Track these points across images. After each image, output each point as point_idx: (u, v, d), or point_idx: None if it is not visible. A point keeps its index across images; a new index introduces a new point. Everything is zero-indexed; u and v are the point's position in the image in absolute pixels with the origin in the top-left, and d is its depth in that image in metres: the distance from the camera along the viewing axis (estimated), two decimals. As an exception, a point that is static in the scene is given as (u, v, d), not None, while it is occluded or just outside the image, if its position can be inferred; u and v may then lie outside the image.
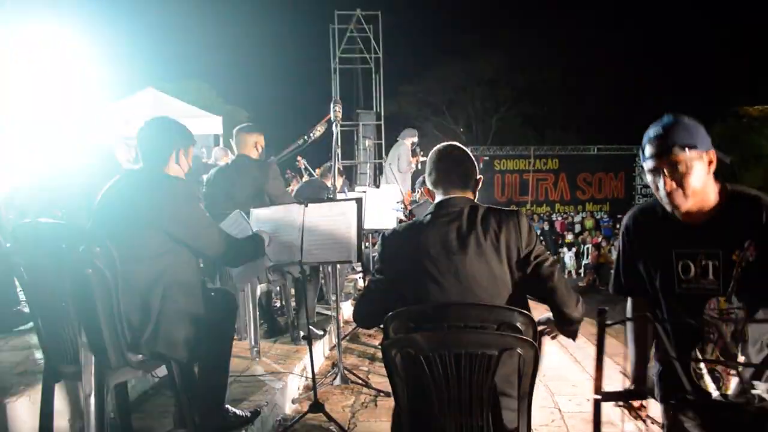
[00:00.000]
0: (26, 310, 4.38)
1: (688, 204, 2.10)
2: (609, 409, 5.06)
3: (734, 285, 2.01)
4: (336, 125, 4.12)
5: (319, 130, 5.54)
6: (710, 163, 2.11)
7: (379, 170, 18.75)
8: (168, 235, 2.75)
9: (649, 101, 31.46)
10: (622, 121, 31.71)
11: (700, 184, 2.08)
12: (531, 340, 2.18)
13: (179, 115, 13.40)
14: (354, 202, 3.40)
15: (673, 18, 34.16)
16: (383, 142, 17.81)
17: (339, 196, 5.44)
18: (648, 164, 2.14)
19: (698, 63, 31.71)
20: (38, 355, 3.57)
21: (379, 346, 5.00)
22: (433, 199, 2.50)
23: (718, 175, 2.16)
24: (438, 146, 2.54)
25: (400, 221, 4.98)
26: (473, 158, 2.54)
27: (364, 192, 6.31)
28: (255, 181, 4.64)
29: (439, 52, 35.13)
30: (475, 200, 2.51)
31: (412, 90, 34.09)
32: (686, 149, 2.05)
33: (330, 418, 3.49)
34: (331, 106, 4.15)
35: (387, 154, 17.52)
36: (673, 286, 2.21)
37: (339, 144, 4.21)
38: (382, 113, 18.81)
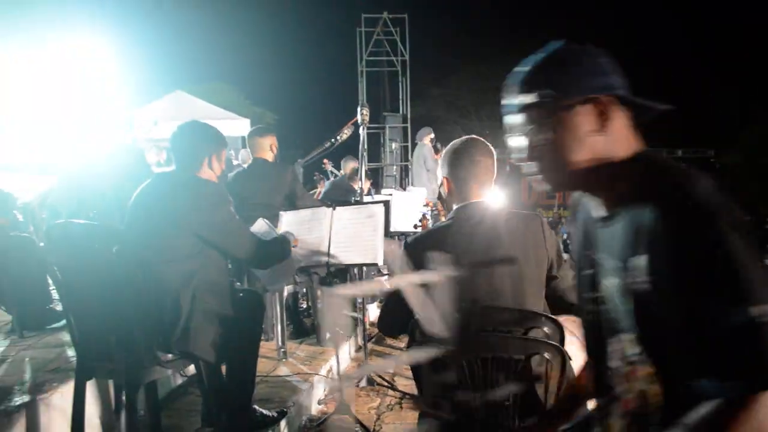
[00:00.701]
0: (58, 308, 4.47)
1: (550, 183, 1.36)
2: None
3: (630, 320, 1.24)
4: (363, 128, 4.14)
5: (346, 132, 5.57)
6: (598, 114, 1.28)
7: (404, 172, 18.75)
8: (198, 237, 2.79)
9: (685, 100, 30.98)
10: (654, 122, 31.25)
11: (572, 151, 1.29)
12: (558, 344, 2.18)
13: (207, 117, 13.63)
14: (382, 205, 3.42)
15: (711, 15, 33.58)
16: (409, 144, 17.80)
17: (366, 199, 5.45)
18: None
19: (739, 60, 31.08)
20: (70, 352, 3.64)
21: (405, 349, 5.00)
22: (449, 191, 2.49)
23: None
24: (454, 144, 2.50)
25: (415, 226, 4.95)
26: (492, 152, 2.49)
27: (391, 195, 6.33)
28: (272, 184, 4.65)
29: (466, 54, 34.92)
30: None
31: (439, 92, 34.00)
32: (531, 95, 1.30)
33: (356, 420, 3.51)
34: (359, 109, 4.17)
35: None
36: (581, 307, 1.51)
37: (366, 147, 4.22)
38: (409, 116, 18.82)
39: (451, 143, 2.53)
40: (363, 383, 4.21)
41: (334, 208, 3.54)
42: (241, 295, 3.04)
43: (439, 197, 2.65)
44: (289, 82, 33.36)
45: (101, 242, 2.52)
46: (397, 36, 18.85)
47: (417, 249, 2.39)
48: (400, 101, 19.06)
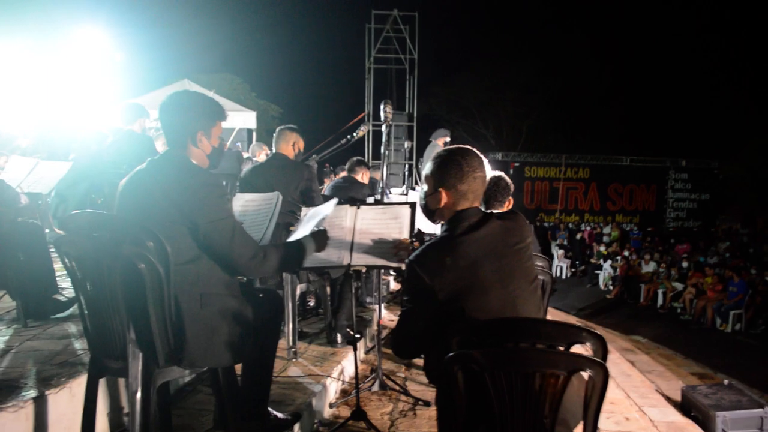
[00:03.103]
0: (62, 298, 4.35)
1: None
2: (652, 429, 4.91)
3: None
4: (386, 125, 4.03)
5: (362, 130, 5.49)
6: None
7: (408, 171, 18.65)
8: (191, 234, 2.52)
9: (690, 112, 30.95)
10: (660, 132, 31.29)
11: None
12: (602, 361, 2.08)
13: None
14: (408, 206, 3.28)
15: (710, 26, 33.41)
16: (414, 143, 17.73)
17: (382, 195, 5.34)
18: None
19: (743, 74, 30.96)
20: (77, 345, 3.54)
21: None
22: (446, 204, 2.42)
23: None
24: (450, 155, 2.44)
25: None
26: (486, 164, 2.47)
27: (402, 194, 6.22)
28: (289, 178, 4.58)
29: (471, 54, 34.95)
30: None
31: (443, 92, 33.92)
32: None
33: (372, 426, 3.39)
34: (381, 105, 4.06)
35: (419, 156, 17.46)
36: None
37: (388, 144, 4.11)
38: (415, 114, 18.74)
39: (447, 153, 2.46)
40: (375, 387, 4.10)
41: (358, 207, 3.40)
42: (261, 295, 2.90)
43: (425, 206, 2.54)
44: (295, 76, 33.34)
45: (119, 234, 2.39)
46: (407, 33, 18.77)
47: (426, 265, 2.29)
48: (407, 99, 18.99)
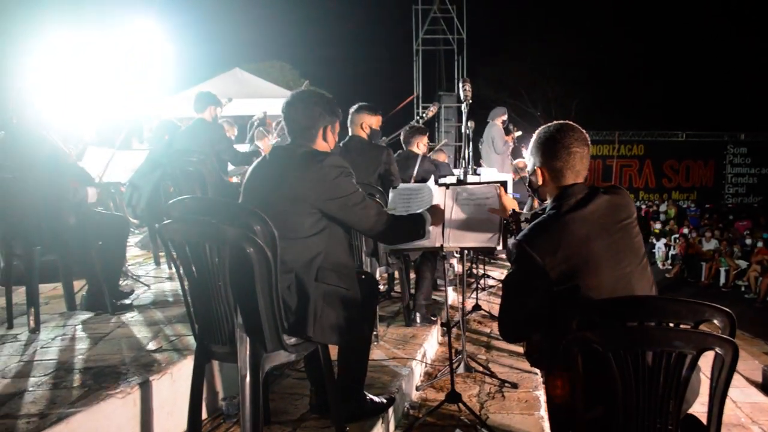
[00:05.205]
0: (125, 290, 4.41)
1: None
2: (737, 410, 4.77)
3: None
4: (466, 104, 3.94)
5: (432, 110, 5.45)
6: None
7: (457, 152, 18.55)
8: (320, 212, 2.67)
9: (743, 84, 29.84)
10: (711, 105, 30.24)
11: None
12: (731, 339, 1.99)
13: (263, 94, 13.57)
14: (499, 185, 3.22)
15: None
16: (463, 124, 17.59)
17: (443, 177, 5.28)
18: None
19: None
20: (168, 331, 3.58)
21: (495, 335, 4.86)
22: (543, 182, 2.41)
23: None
24: (547, 131, 2.41)
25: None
26: (587, 139, 2.43)
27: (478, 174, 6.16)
28: (367, 162, 4.54)
29: (517, 34, 34.27)
30: None
31: (490, 72, 33.43)
32: None
33: (468, 408, 3.36)
34: (460, 84, 3.99)
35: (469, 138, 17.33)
36: None
37: (468, 124, 4.03)
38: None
39: (543, 130, 2.44)
40: (460, 369, 4.05)
41: (447, 188, 3.35)
42: (363, 277, 2.90)
43: (530, 184, 2.53)
44: (343, 60, 33.32)
45: (225, 219, 2.38)
46: (454, 13, 18.58)
47: (536, 244, 2.24)
48: (456, 80, 18.79)
